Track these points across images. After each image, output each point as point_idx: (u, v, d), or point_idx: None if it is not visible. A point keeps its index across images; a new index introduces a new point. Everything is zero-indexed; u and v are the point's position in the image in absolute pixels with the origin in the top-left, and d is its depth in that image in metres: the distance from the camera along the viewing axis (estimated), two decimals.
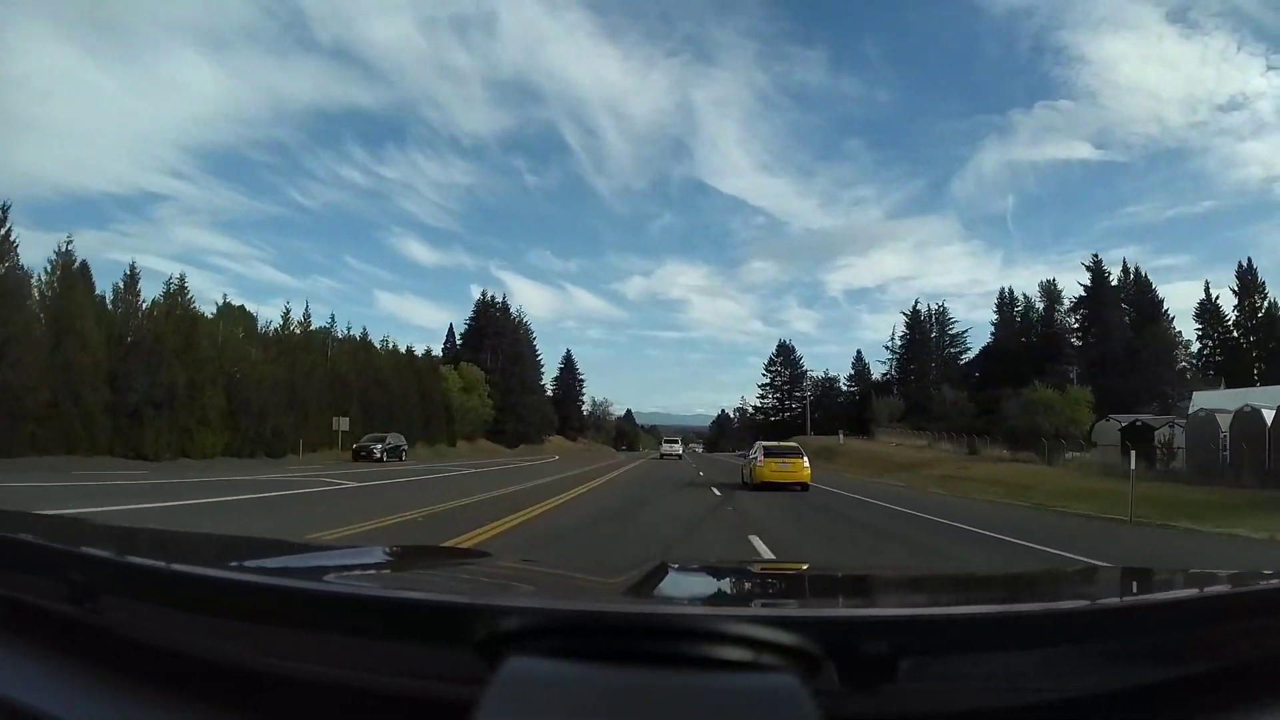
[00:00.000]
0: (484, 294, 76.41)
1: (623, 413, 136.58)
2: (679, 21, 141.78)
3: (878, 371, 75.80)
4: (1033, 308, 64.14)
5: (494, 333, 70.03)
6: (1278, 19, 74.23)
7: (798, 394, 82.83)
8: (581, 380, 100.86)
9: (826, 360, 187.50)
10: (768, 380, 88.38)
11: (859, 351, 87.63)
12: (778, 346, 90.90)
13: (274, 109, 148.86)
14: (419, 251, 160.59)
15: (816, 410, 71.78)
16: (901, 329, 72.85)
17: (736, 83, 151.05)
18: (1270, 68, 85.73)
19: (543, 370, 79.34)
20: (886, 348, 74.50)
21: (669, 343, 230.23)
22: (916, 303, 75.75)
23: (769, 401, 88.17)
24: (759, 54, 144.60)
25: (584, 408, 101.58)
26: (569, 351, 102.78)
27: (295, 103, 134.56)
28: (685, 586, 1.13)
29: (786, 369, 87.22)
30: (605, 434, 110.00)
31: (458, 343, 71.54)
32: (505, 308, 74.39)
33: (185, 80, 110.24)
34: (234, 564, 1.07)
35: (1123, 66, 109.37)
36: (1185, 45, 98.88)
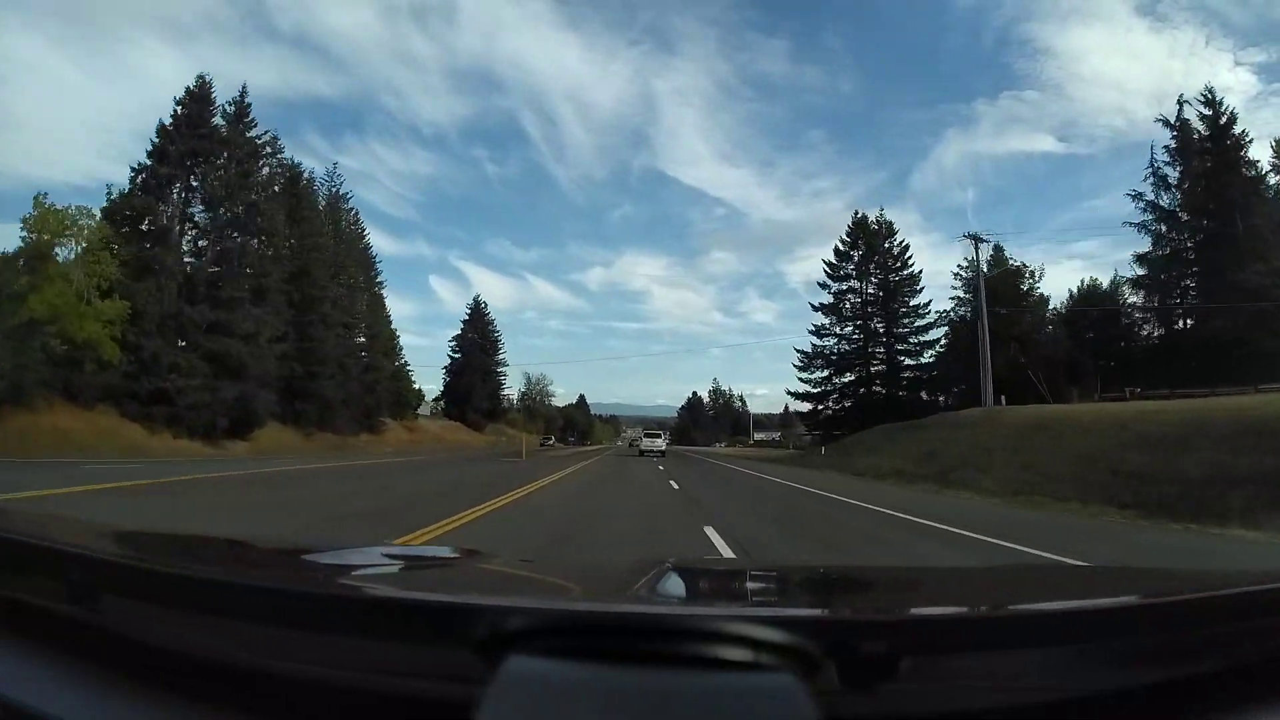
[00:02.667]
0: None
1: (575, 399, 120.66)
2: (641, 10, 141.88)
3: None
4: None
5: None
6: (1246, 14, 73.66)
7: (900, 333, 40.63)
8: (497, 342, 74.38)
9: (785, 353, 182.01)
10: (828, 324, 42.37)
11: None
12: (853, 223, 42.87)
13: (235, 98, 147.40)
14: (379, 241, 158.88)
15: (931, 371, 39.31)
16: None
17: (698, 72, 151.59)
18: (1239, 62, 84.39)
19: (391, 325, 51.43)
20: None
21: (630, 334, 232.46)
22: None
23: (833, 349, 41.86)
24: (721, 43, 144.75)
25: (503, 385, 75.29)
26: (477, 299, 75.81)
27: (256, 91, 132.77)
28: (685, 586, 1.13)
29: (874, 276, 41.49)
30: (546, 423, 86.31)
31: None
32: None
33: (148, 69, 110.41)
34: (234, 564, 1.07)
35: (1090, 59, 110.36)
36: (1154, 38, 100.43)
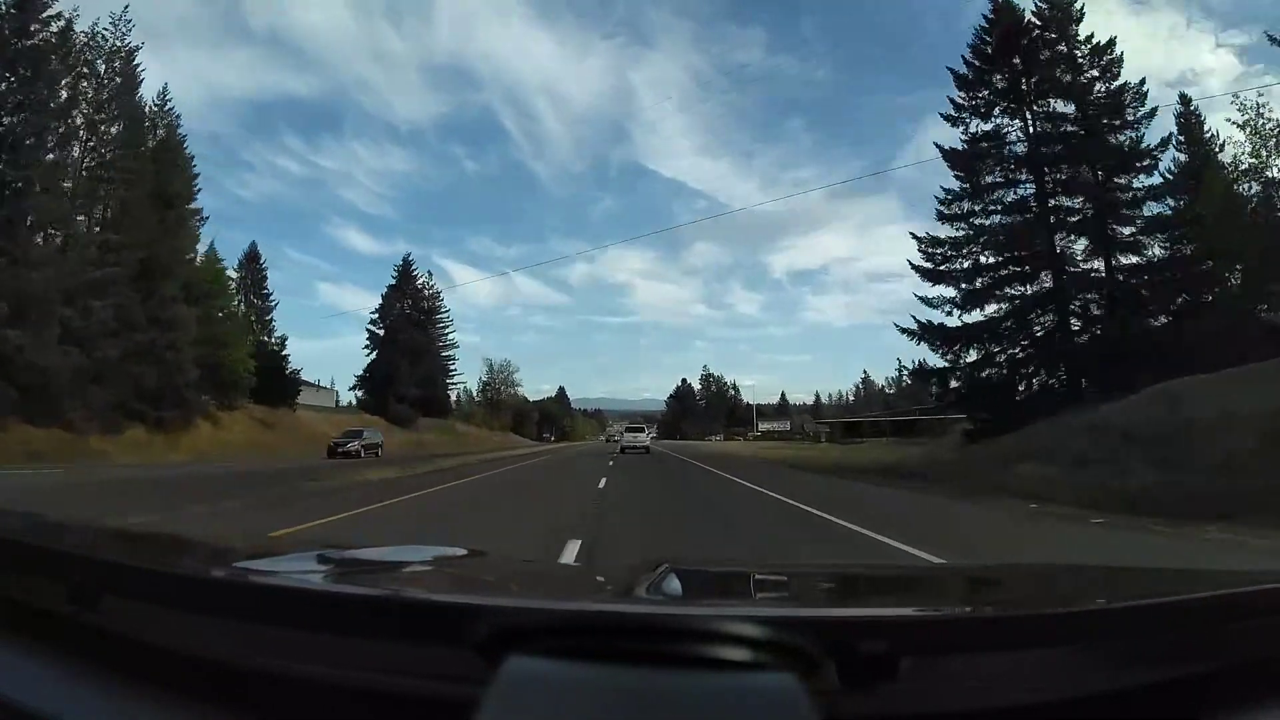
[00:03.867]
0: None
1: (554, 391, 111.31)
2: (614, 3, 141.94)
3: None
4: None
5: None
6: None
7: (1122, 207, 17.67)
8: (438, 315, 57.59)
9: (772, 344, 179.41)
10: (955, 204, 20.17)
11: None
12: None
13: (209, 100, 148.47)
14: (358, 241, 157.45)
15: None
16: None
17: (674, 64, 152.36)
18: (1220, 45, 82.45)
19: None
20: None
21: (614, 327, 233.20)
22: None
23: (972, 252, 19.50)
24: (696, 35, 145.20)
25: (452, 371, 60.30)
26: (406, 259, 58.58)
27: (230, 93, 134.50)
28: (685, 586, 1.13)
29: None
30: (516, 417, 75.30)
31: None
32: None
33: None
34: (234, 564, 1.08)
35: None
36: (1134, 20, 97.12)
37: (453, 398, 64.28)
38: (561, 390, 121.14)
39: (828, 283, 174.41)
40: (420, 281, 58.75)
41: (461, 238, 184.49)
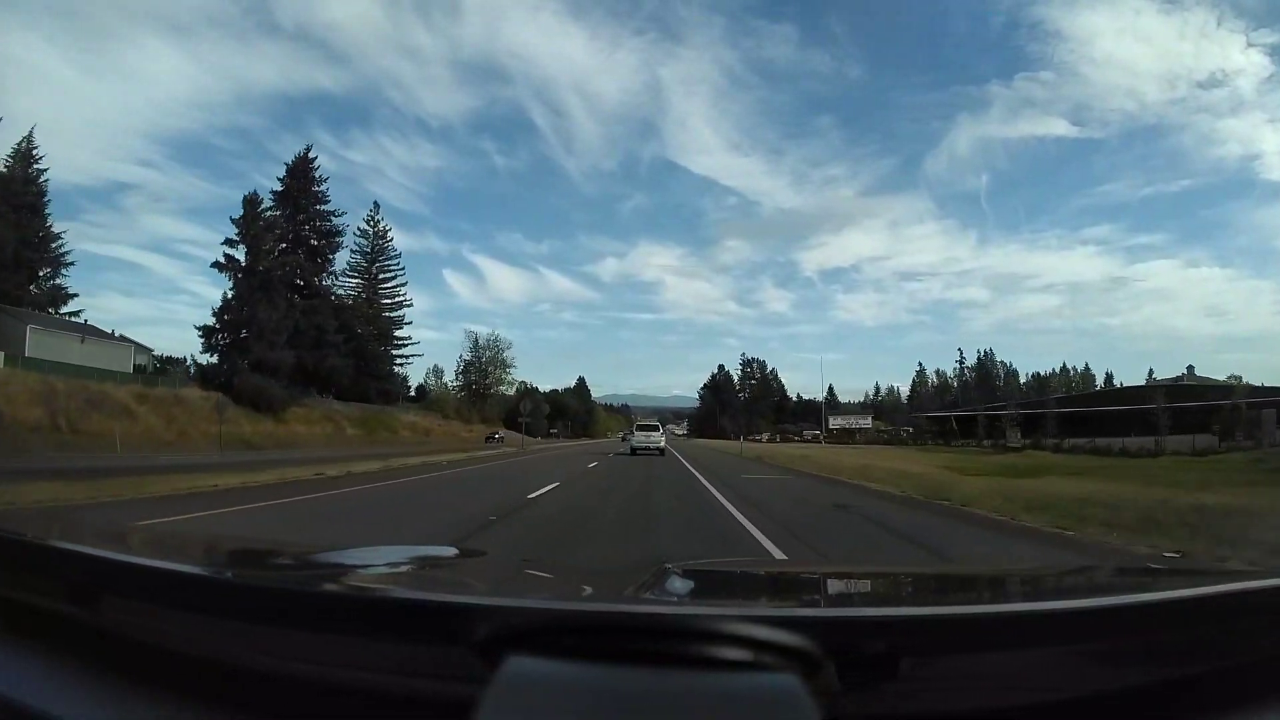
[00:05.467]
0: None
1: (574, 382, 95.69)
2: None
3: None
4: None
5: None
6: None
7: None
8: (392, 262, 43.35)
9: (800, 343, 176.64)
10: None
11: None
12: None
13: (238, 94, 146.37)
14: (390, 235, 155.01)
15: None
16: None
17: (704, 60, 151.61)
18: (1250, 44, 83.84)
19: None
20: None
21: (644, 325, 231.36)
22: None
23: None
24: (726, 30, 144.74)
25: (401, 344, 45.03)
26: (306, 150, 40.41)
27: (259, 87, 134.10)
28: (685, 586, 1.13)
29: None
30: (510, 413, 51.50)
31: None
32: None
33: (149, 68, 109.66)
34: (234, 564, 1.08)
35: (1100, 42, 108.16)
36: (1164, 20, 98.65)
37: (419, 381, 47.88)
38: (581, 381, 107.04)
39: (858, 281, 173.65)
40: (324, 187, 36.60)
41: (491, 233, 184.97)
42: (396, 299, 45.83)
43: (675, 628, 0.60)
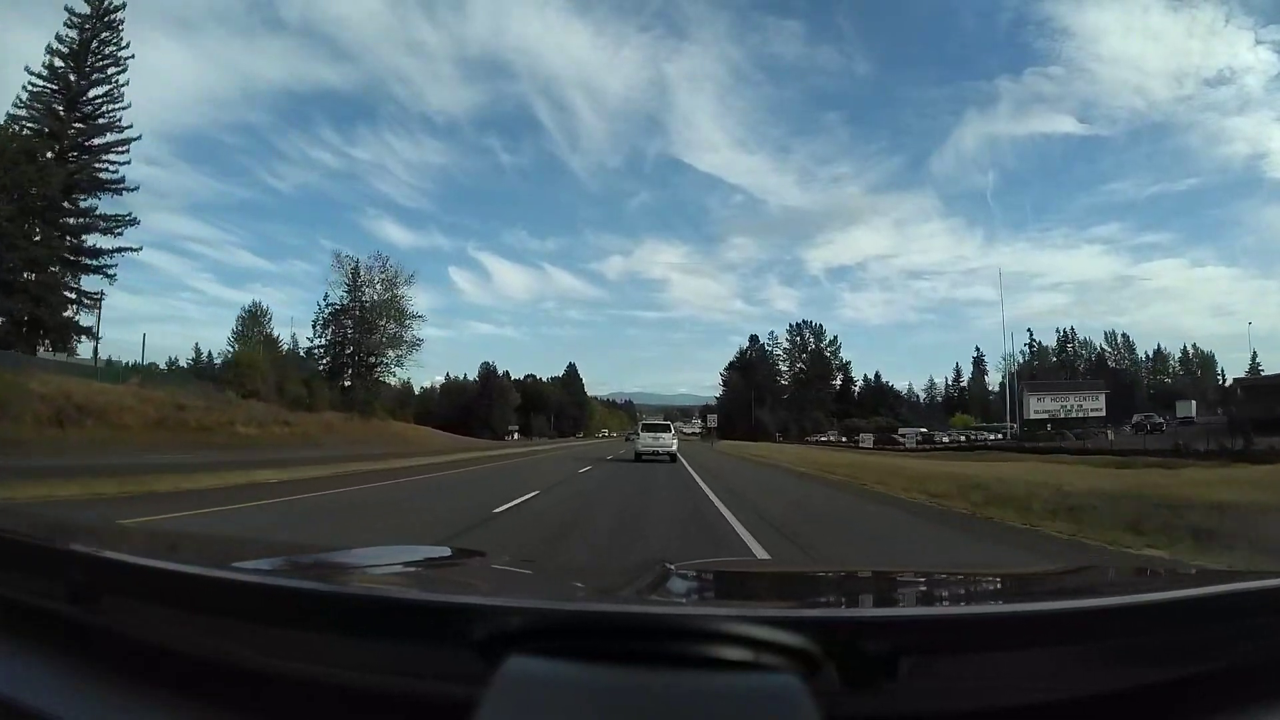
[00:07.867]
0: None
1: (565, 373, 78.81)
2: None
3: None
4: None
5: None
6: None
7: None
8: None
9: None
10: None
11: None
12: None
13: (243, 91, 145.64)
14: (394, 233, 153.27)
15: None
16: None
17: (710, 57, 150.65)
18: (1259, 41, 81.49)
19: None
20: None
21: (650, 323, 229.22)
22: None
23: None
24: (732, 26, 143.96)
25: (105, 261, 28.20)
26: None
27: (264, 84, 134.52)
28: (685, 587, 1.13)
29: None
30: (472, 411, 42.66)
31: None
32: None
33: (154, 64, 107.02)
34: (234, 563, 1.08)
35: (1108, 39, 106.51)
36: (1172, 17, 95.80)
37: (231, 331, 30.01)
38: (572, 369, 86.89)
39: (865, 280, 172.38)
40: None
41: (497, 231, 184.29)
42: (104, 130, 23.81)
43: (676, 628, 0.60)
